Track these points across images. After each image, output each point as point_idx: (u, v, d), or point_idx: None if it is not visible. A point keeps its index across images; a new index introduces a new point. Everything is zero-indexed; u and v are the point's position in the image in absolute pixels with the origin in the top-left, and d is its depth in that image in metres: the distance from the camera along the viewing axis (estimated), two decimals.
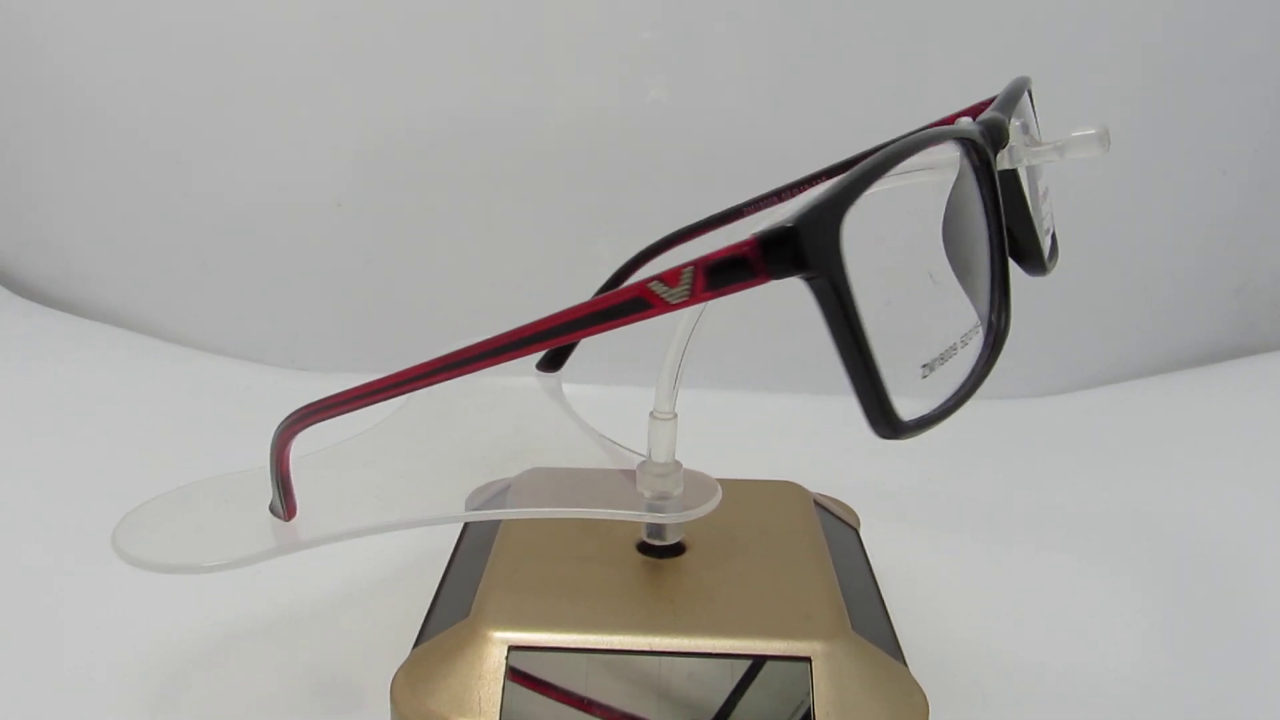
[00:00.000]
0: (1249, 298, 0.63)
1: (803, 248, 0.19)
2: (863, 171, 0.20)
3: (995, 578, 0.42)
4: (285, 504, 0.31)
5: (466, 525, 0.40)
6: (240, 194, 0.62)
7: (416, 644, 0.31)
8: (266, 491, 0.32)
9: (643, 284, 0.21)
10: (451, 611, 0.31)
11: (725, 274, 0.20)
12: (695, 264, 0.20)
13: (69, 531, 0.43)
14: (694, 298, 0.21)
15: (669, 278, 0.21)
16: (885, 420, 0.21)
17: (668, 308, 0.21)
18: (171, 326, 0.66)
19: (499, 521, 0.36)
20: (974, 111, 0.32)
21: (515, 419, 0.41)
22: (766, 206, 0.35)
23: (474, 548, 0.36)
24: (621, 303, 0.22)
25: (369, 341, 0.65)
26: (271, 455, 0.31)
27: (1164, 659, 0.36)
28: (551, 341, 0.24)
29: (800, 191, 0.35)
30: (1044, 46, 0.57)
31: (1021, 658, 0.36)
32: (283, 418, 0.45)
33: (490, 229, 0.62)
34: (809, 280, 0.20)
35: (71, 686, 0.33)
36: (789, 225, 0.19)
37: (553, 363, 0.44)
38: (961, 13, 0.56)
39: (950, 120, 0.30)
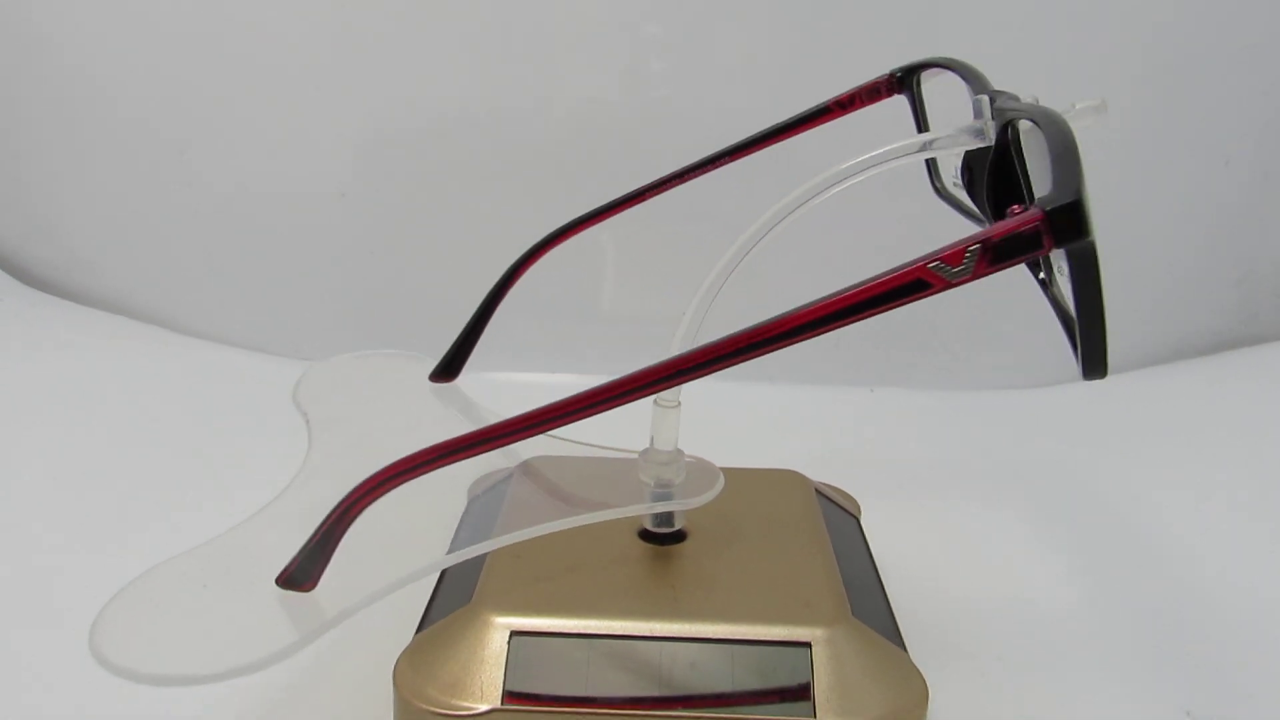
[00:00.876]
0: (1251, 288, 0.63)
1: (1084, 216, 0.21)
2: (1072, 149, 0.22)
3: (995, 566, 0.42)
4: (314, 573, 0.28)
5: (468, 510, 0.40)
6: (244, 184, 0.62)
7: (419, 629, 0.31)
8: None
9: (922, 266, 0.23)
10: (454, 597, 0.32)
11: (1011, 249, 0.22)
12: (980, 242, 0.22)
13: (74, 521, 0.43)
14: (974, 275, 0.22)
15: (951, 259, 0.22)
16: (1103, 365, 0.23)
17: (947, 285, 0.23)
18: (175, 315, 0.66)
19: (500, 508, 0.36)
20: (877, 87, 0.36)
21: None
22: (653, 195, 0.37)
23: (476, 533, 0.36)
24: (901, 285, 0.23)
25: (372, 331, 0.65)
26: (331, 521, 0.28)
27: (1162, 647, 0.36)
28: (823, 329, 0.24)
29: (693, 175, 0.38)
30: (1047, 38, 0.57)
31: (1021, 645, 0.36)
32: (282, 411, 0.45)
33: (492, 220, 0.62)
34: (1075, 246, 0.21)
35: (74, 677, 0.33)
36: (1071, 199, 0.21)
37: (448, 371, 0.43)
38: (964, 5, 0.56)
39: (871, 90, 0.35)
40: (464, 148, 0.61)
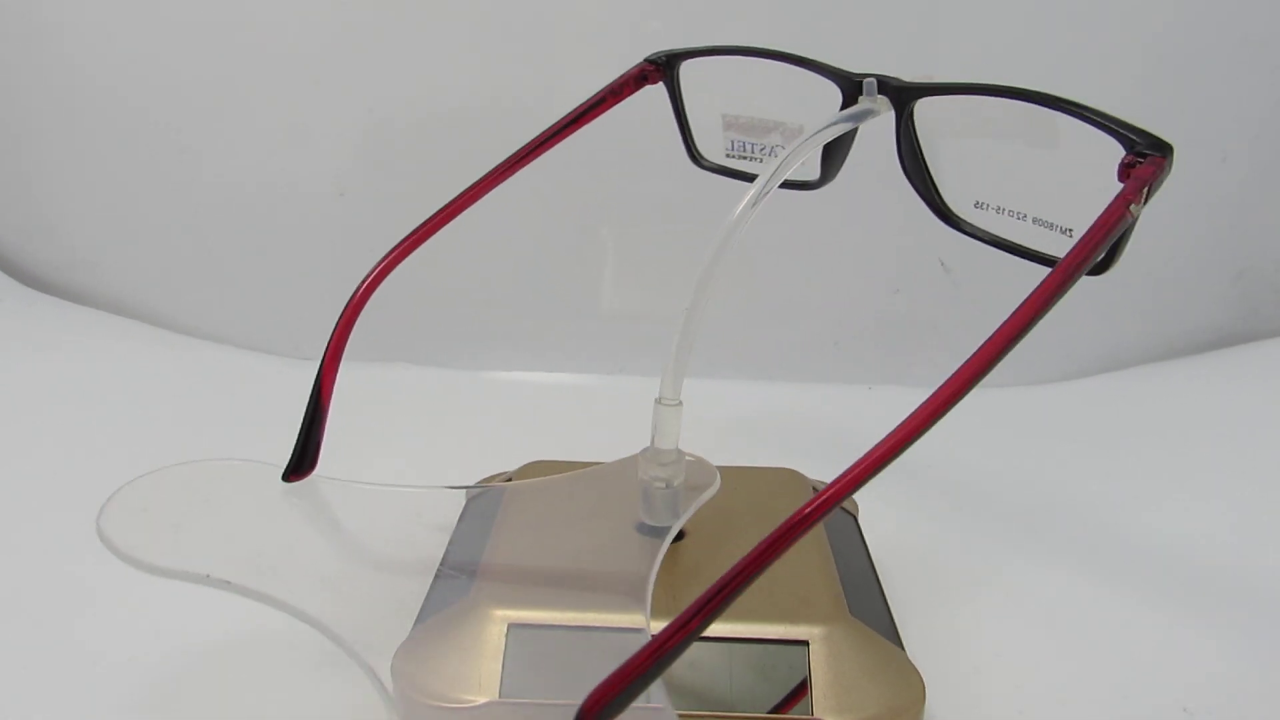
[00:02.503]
0: (1250, 284, 0.63)
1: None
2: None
3: (993, 565, 0.42)
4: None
5: (468, 504, 0.40)
6: (245, 182, 0.62)
7: (417, 621, 0.31)
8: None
9: (1122, 208, 0.26)
10: (451, 589, 0.32)
11: (1156, 181, 0.27)
12: (1146, 182, 0.26)
13: (73, 520, 0.43)
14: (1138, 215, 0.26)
15: (1138, 198, 0.26)
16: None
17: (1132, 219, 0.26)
18: (175, 315, 0.66)
19: (500, 501, 0.36)
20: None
21: None
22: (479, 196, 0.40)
23: (475, 526, 0.36)
24: (1110, 228, 0.26)
25: (372, 329, 0.64)
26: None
27: (1160, 645, 0.36)
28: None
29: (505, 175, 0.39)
30: (1045, 34, 0.57)
31: (1018, 643, 0.36)
32: (285, 410, 0.45)
33: (493, 217, 0.62)
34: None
35: (77, 675, 0.33)
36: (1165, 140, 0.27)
37: (300, 468, 0.36)
38: (964, 4, 0.56)
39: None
40: (465, 146, 0.61)
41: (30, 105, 0.63)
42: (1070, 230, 0.29)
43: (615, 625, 0.29)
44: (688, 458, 0.33)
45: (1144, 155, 0.27)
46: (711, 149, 0.36)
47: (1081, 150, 0.28)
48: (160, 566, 0.28)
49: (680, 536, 0.34)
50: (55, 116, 0.63)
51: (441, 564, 0.35)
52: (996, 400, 0.60)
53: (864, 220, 0.61)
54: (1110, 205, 0.26)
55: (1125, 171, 0.27)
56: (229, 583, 0.28)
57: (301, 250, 0.64)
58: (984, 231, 0.31)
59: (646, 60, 0.36)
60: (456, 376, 0.62)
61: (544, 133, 0.37)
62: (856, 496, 0.42)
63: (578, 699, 0.27)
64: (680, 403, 0.32)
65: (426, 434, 0.54)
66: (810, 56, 0.32)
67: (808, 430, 0.58)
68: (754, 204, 0.30)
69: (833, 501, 0.22)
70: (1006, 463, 0.52)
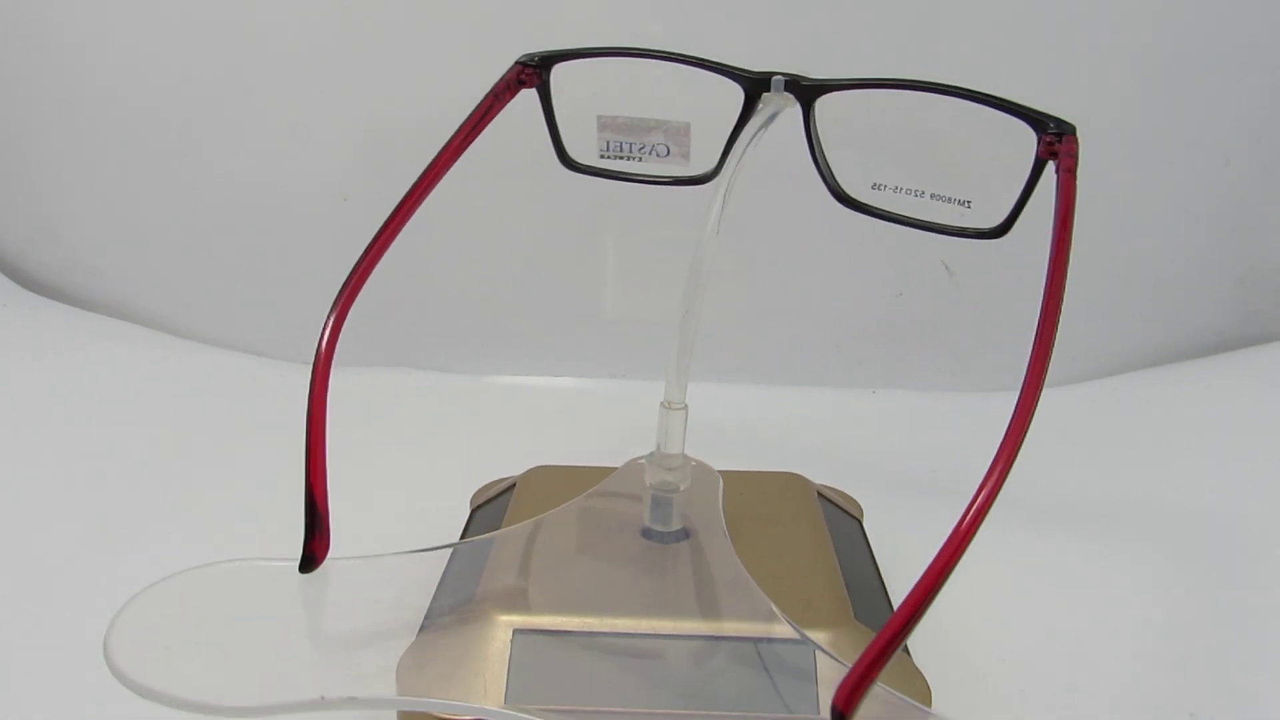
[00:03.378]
0: (1252, 287, 0.63)
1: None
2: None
3: (997, 568, 0.42)
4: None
5: (471, 517, 0.40)
6: (247, 186, 0.62)
7: (422, 627, 0.31)
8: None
9: (1071, 180, 0.29)
10: (456, 595, 0.32)
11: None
12: (1074, 154, 0.29)
13: (76, 525, 0.43)
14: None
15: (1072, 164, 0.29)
16: None
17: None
18: (177, 319, 0.66)
19: (505, 507, 0.36)
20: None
21: None
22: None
23: (480, 533, 0.36)
24: (1069, 196, 0.29)
25: (374, 335, 0.65)
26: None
27: (1165, 650, 0.36)
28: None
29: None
30: (1044, 36, 0.57)
31: (1023, 646, 0.36)
32: (287, 412, 0.45)
33: (495, 222, 0.62)
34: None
35: (79, 678, 0.33)
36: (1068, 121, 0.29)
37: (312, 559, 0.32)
38: (963, 5, 0.56)
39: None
40: (467, 149, 0.61)
41: (32, 108, 0.63)
42: (969, 202, 0.31)
43: (621, 630, 0.29)
44: (691, 462, 0.33)
45: (1060, 134, 0.30)
46: (587, 151, 0.36)
47: (983, 132, 0.32)
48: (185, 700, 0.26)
49: (684, 536, 0.34)
50: (57, 120, 0.63)
51: (446, 570, 0.35)
52: (999, 405, 0.60)
53: (866, 223, 0.61)
54: (1060, 179, 0.29)
55: (1050, 147, 0.30)
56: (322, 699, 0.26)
57: (303, 254, 0.64)
58: (882, 210, 0.33)
59: (519, 62, 0.36)
60: (459, 381, 0.62)
61: (443, 150, 0.38)
62: (861, 500, 0.42)
63: (584, 705, 0.27)
64: (685, 406, 0.32)
65: (429, 439, 0.54)
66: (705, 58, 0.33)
67: (810, 434, 0.58)
68: (723, 199, 0.32)
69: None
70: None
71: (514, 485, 0.39)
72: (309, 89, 0.60)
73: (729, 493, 0.33)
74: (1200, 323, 0.64)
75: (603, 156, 0.35)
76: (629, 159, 0.35)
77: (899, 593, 0.35)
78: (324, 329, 0.33)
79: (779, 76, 0.31)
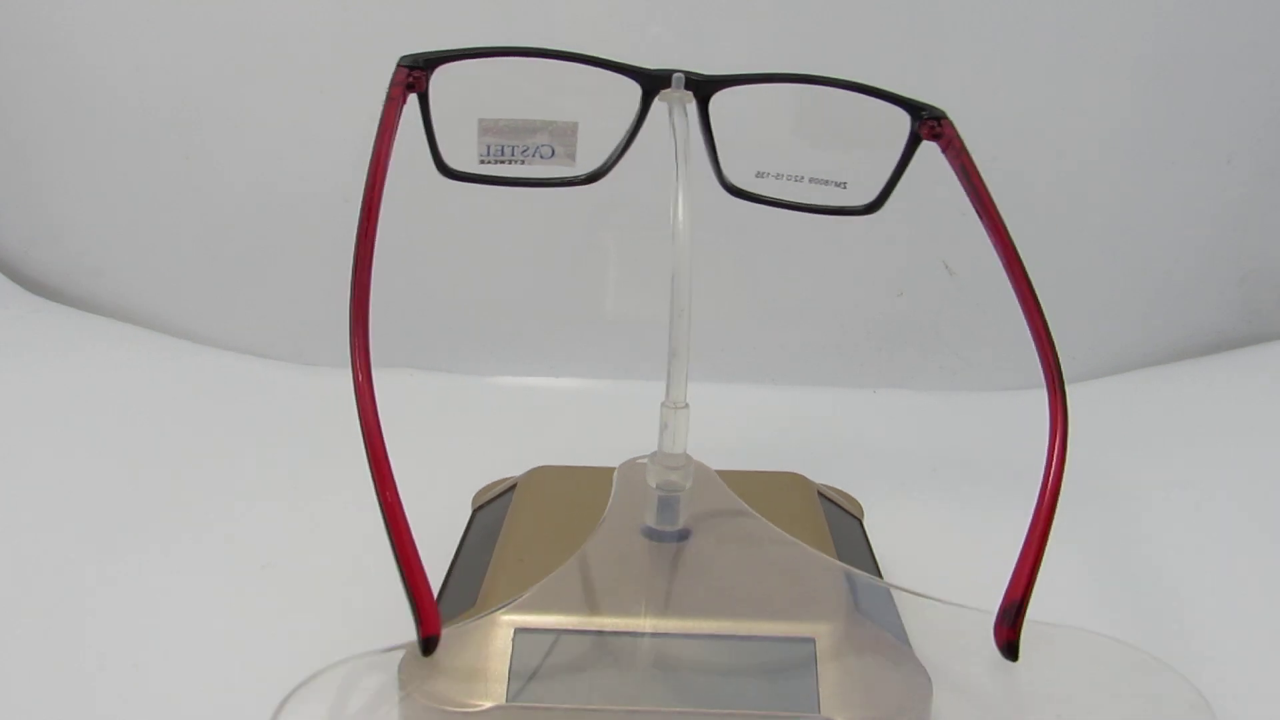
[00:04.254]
0: (1254, 286, 0.63)
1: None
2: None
3: (998, 568, 0.42)
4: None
5: (473, 516, 0.40)
6: (250, 190, 0.63)
7: None
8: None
9: (959, 156, 0.34)
10: (460, 595, 0.32)
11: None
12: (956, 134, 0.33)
13: (78, 530, 0.43)
14: None
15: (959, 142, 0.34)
16: None
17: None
18: (181, 321, 0.66)
19: (506, 508, 0.36)
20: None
21: None
22: None
23: (481, 539, 0.36)
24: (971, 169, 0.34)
25: (376, 336, 0.64)
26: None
27: (1170, 647, 0.36)
28: None
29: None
30: (1047, 37, 0.57)
31: (1027, 641, 0.36)
32: (290, 413, 0.45)
33: (496, 222, 0.62)
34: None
35: (81, 682, 0.33)
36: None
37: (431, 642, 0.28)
38: (965, 4, 0.56)
39: None
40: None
41: (36, 111, 0.63)
42: (844, 184, 0.34)
43: (623, 630, 0.29)
44: (694, 462, 0.33)
45: (937, 117, 0.34)
46: (467, 157, 0.35)
47: (861, 120, 0.34)
48: None
49: (685, 537, 0.34)
50: (61, 123, 0.63)
51: (450, 569, 0.35)
52: (1001, 404, 0.60)
53: (867, 223, 0.61)
54: (952, 157, 0.33)
55: (934, 130, 0.34)
56: None
57: (305, 257, 0.64)
58: (766, 197, 0.34)
59: (402, 64, 0.34)
60: (462, 382, 0.62)
61: (372, 164, 0.36)
62: (862, 500, 0.42)
63: (586, 704, 0.27)
64: (687, 405, 0.32)
65: (432, 439, 0.54)
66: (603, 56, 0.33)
67: (811, 433, 0.58)
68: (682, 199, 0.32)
69: None
70: (1012, 466, 0.52)
71: (515, 485, 0.39)
72: (311, 91, 0.60)
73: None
74: (1203, 321, 0.64)
75: (482, 161, 0.34)
76: (511, 162, 0.34)
77: (900, 579, 0.35)
78: (360, 405, 0.32)
79: (679, 73, 0.32)
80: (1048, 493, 0.33)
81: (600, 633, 0.29)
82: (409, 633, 0.32)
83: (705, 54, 0.58)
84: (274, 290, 0.65)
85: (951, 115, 0.58)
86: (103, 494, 0.46)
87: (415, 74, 0.34)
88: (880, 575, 0.36)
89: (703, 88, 0.32)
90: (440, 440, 0.54)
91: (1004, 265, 0.34)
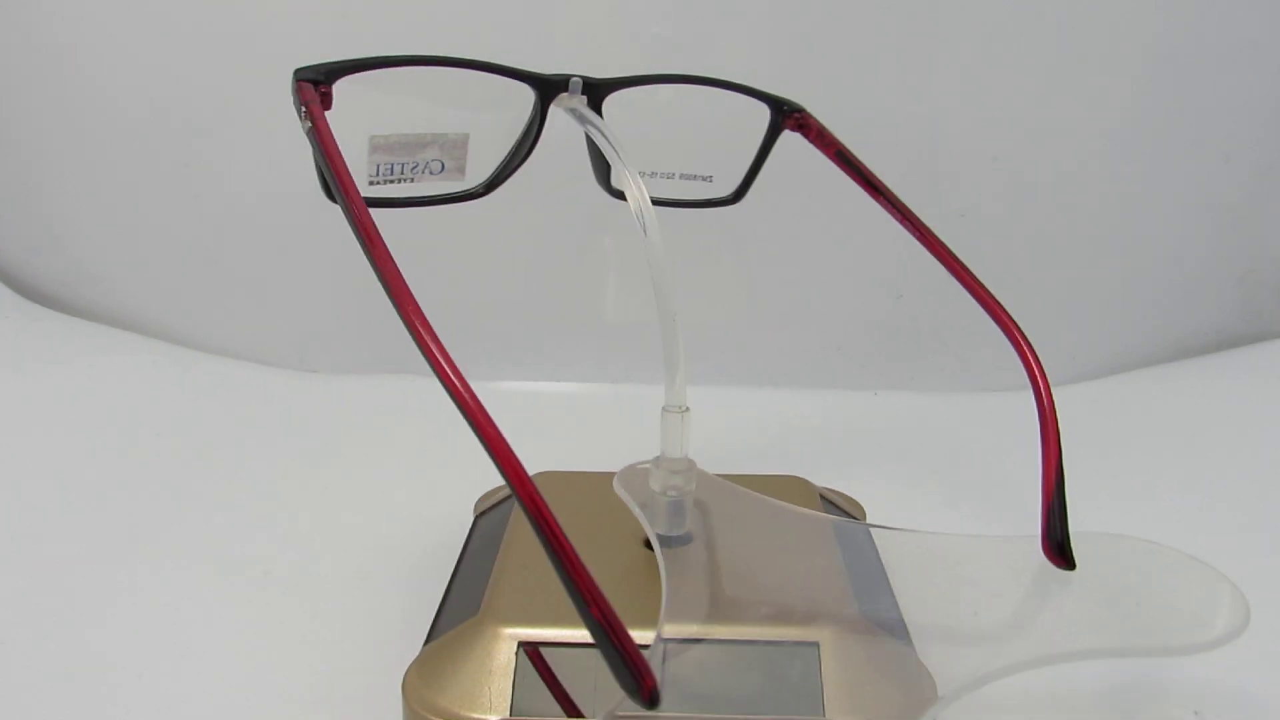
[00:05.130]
0: (1254, 285, 0.63)
1: None
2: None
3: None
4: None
5: (475, 522, 0.40)
6: (251, 196, 0.63)
7: (428, 641, 0.31)
8: None
9: (832, 146, 0.37)
10: (462, 608, 0.32)
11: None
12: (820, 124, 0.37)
13: (80, 536, 0.43)
14: None
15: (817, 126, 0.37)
16: None
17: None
18: (181, 328, 0.66)
19: (508, 518, 0.36)
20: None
21: None
22: None
23: (483, 544, 0.36)
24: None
25: (378, 342, 0.65)
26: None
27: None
28: None
29: None
30: (1046, 35, 0.57)
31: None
32: (292, 420, 0.44)
33: (498, 226, 0.62)
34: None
35: (85, 692, 0.33)
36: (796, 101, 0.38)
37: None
38: (963, 2, 0.56)
39: None
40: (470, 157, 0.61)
41: (36, 119, 0.63)
42: (710, 177, 0.36)
43: None
44: (696, 466, 0.33)
45: (797, 111, 0.37)
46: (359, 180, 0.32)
47: (731, 117, 0.36)
48: None
49: (688, 540, 0.34)
50: (60, 130, 0.63)
51: (451, 581, 0.35)
52: (1001, 404, 0.60)
53: (866, 225, 0.61)
54: (823, 148, 0.36)
55: (799, 122, 0.37)
56: None
57: (308, 263, 0.64)
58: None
59: (300, 78, 0.31)
60: None
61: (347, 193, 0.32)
62: (864, 502, 0.42)
63: (591, 716, 0.27)
64: (688, 409, 0.32)
65: (434, 445, 0.54)
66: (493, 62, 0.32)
67: (812, 436, 0.58)
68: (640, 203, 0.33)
69: None
70: (1012, 466, 0.52)
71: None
72: None
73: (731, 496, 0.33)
74: (1202, 321, 0.64)
75: (371, 183, 0.32)
76: (400, 181, 0.33)
77: (902, 595, 0.35)
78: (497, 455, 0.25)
79: (576, 78, 0.32)
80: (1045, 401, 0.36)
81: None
82: (413, 640, 0.32)
83: (708, 52, 0.58)
84: (274, 297, 0.65)
85: (951, 115, 0.59)
86: (104, 502, 0.46)
87: (323, 89, 0.31)
88: (885, 576, 0.36)
89: (598, 90, 0.32)
90: (441, 446, 0.54)
91: (912, 232, 0.38)
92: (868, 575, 0.35)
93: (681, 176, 0.37)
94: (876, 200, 0.38)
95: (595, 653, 0.29)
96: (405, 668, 0.30)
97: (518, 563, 0.33)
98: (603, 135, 0.32)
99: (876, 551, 0.38)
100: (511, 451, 0.24)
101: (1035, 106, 0.58)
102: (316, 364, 0.65)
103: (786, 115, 0.37)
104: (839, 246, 0.61)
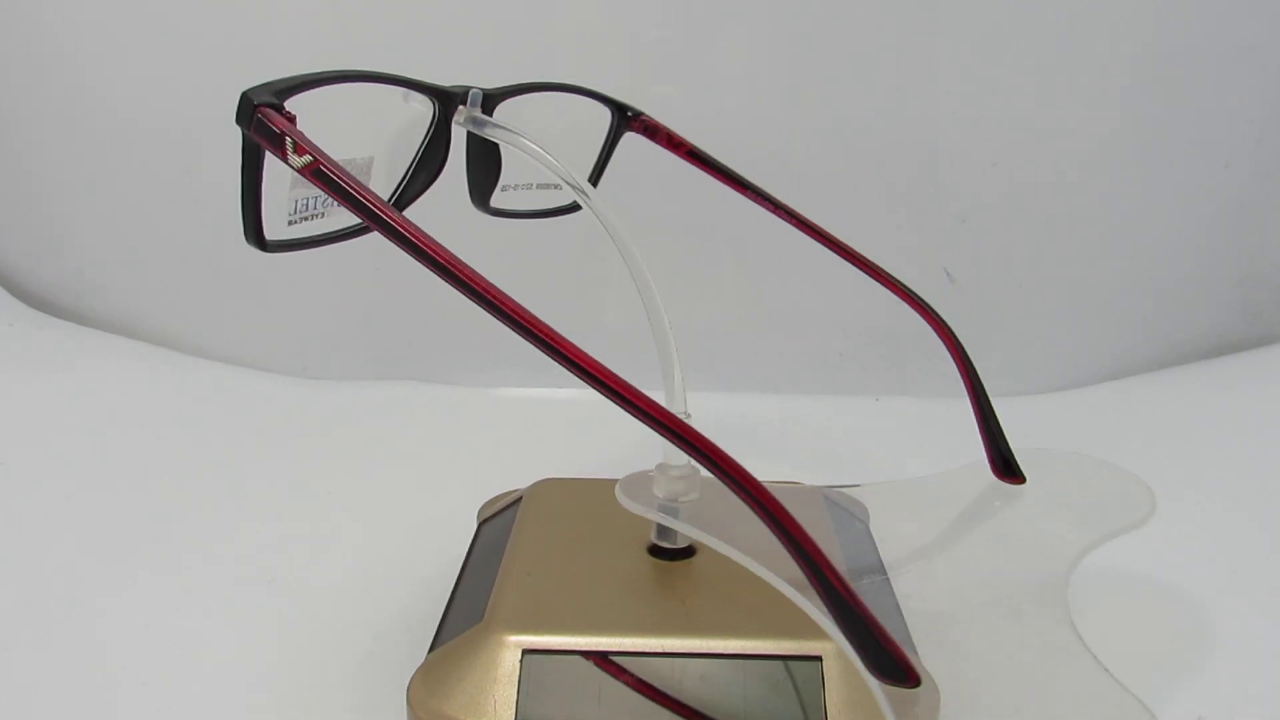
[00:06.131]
0: (1253, 288, 0.63)
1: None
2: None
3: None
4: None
5: (479, 530, 0.40)
6: None
7: (432, 648, 0.31)
8: None
9: (671, 140, 0.38)
10: (466, 615, 0.32)
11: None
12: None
13: (82, 542, 0.43)
14: None
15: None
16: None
17: None
18: (183, 336, 0.66)
19: (511, 526, 0.36)
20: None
21: None
22: None
23: (487, 552, 0.36)
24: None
25: (379, 349, 0.65)
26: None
27: (1172, 654, 0.36)
28: None
29: None
30: (1044, 40, 0.57)
31: (1031, 650, 0.36)
32: (293, 426, 0.44)
33: (498, 233, 0.62)
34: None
35: (88, 701, 0.33)
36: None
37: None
38: (962, 6, 0.56)
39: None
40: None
41: (37, 127, 0.64)
42: (559, 185, 0.35)
43: (631, 650, 0.29)
44: (700, 472, 0.33)
45: (637, 113, 0.37)
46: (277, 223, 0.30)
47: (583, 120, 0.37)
48: None
49: (691, 552, 0.34)
50: (62, 137, 0.64)
51: (455, 589, 0.35)
52: (1002, 409, 0.60)
53: (867, 231, 0.61)
54: (673, 149, 0.37)
55: (641, 125, 0.38)
56: None
57: (308, 270, 0.64)
58: (508, 210, 0.36)
59: (261, 103, 0.28)
60: (464, 394, 0.62)
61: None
62: (867, 502, 0.42)
63: None
64: (689, 415, 0.32)
65: (434, 452, 0.54)
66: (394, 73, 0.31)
67: (815, 442, 0.58)
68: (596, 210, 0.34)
69: None
70: None
71: (520, 499, 0.39)
72: (313, 103, 0.60)
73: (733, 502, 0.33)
74: (1203, 324, 0.64)
75: (290, 223, 0.29)
76: (313, 217, 0.30)
77: (904, 598, 0.35)
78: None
79: (476, 90, 0.32)
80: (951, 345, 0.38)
81: (608, 653, 0.29)
82: (417, 647, 0.32)
83: (707, 56, 0.58)
84: (276, 304, 0.65)
85: (950, 120, 0.59)
86: (108, 510, 0.46)
87: (288, 113, 0.28)
88: (888, 579, 0.36)
89: (489, 101, 0.32)
90: (442, 452, 0.54)
91: (790, 222, 0.39)
92: (871, 584, 0.35)
93: (538, 187, 0.37)
94: (745, 195, 0.39)
95: (599, 660, 0.29)
96: (409, 675, 0.30)
97: (522, 570, 0.33)
98: (537, 147, 0.32)
99: (878, 554, 0.38)
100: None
101: (1035, 111, 0.58)
102: (318, 370, 0.65)
103: (630, 119, 0.37)
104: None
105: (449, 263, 0.25)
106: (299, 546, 0.44)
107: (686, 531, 0.32)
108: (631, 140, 0.61)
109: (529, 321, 0.26)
